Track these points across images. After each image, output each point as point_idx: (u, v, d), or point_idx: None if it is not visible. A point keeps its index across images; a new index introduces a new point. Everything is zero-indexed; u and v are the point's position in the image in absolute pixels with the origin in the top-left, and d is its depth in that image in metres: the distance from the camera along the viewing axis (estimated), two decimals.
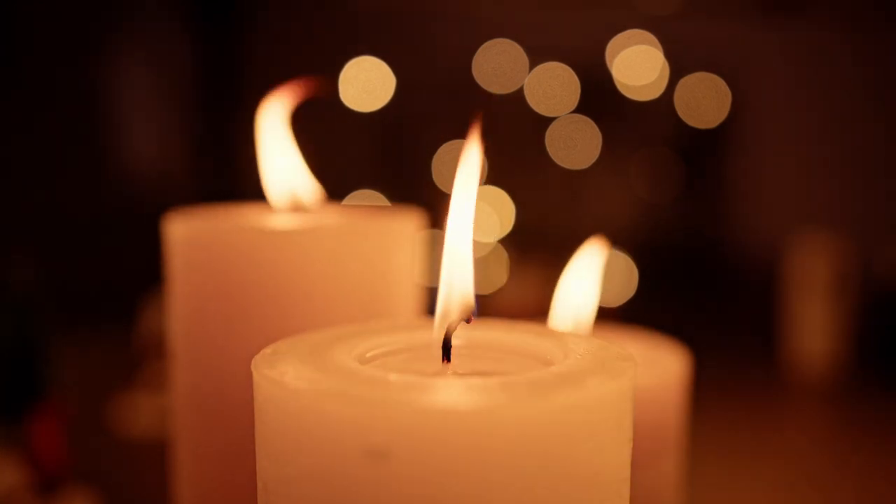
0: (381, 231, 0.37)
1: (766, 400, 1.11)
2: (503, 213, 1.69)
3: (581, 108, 1.78)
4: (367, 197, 1.65)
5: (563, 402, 0.21)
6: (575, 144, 1.79)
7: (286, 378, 0.22)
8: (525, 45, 1.77)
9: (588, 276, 0.38)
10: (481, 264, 1.63)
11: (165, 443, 0.40)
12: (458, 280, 0.26)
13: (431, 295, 0.27)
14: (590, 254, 0.39)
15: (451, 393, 0.22)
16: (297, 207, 0.39)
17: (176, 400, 0.37)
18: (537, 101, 1.78)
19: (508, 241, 1.67)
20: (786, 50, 1.75)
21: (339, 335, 0.27)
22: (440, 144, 1.72)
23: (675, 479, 0.37)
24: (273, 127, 0.39)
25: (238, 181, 1.68)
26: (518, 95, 1.78)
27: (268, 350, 0.25)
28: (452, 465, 0.20)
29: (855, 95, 1.69)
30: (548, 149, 1.79)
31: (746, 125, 1.82)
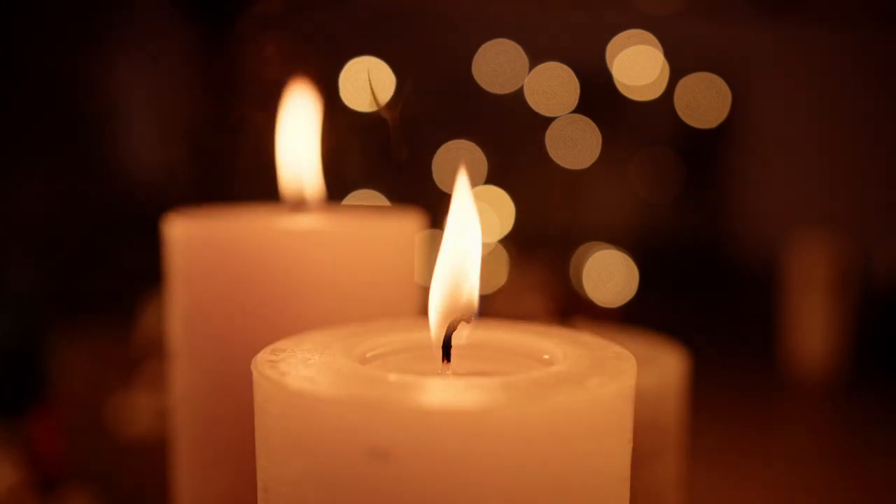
0: (382, 231, 0.37)
1: (765, 400, 1.11)
2: (503, 213, 1.69)
3: (581, 108, 1.78)
4: (367, 197, 1.65)
5: (563, 403, 0.21)
6: (575, 144, 1.79)
7: (286, 378, 0.22)
8: (525, 45, 1.77)
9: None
10: (481, 264, 1.63)
11: (165, 443, 0.40)
12: (465, 282, 0.26)
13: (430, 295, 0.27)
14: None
15: (451, 393, 0.22)
16: (299, 205, 0.39)
17: (176, 400, 0.37)
18: (537, 101, 1.78)
19: (508, 241, 1.67)
20: (786, 50, 1.75)
21: (339, 335, 0.27)
22: (440, 144, 1.71)
23: (675, 479, 0.37)
24: (301, 113, 0.39)
25: (238, 181, 1.68)
26: (518, 95, 1.78)
27: (268, 350, 0.25)
28: (452, 465, 0.20)
29: (855, 95, 1.69)
30: (548, 149, 1.79)
31: (746, 125, 1.82)
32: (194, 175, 1.80)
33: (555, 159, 1.79)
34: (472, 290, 0.26)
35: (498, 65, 1.77)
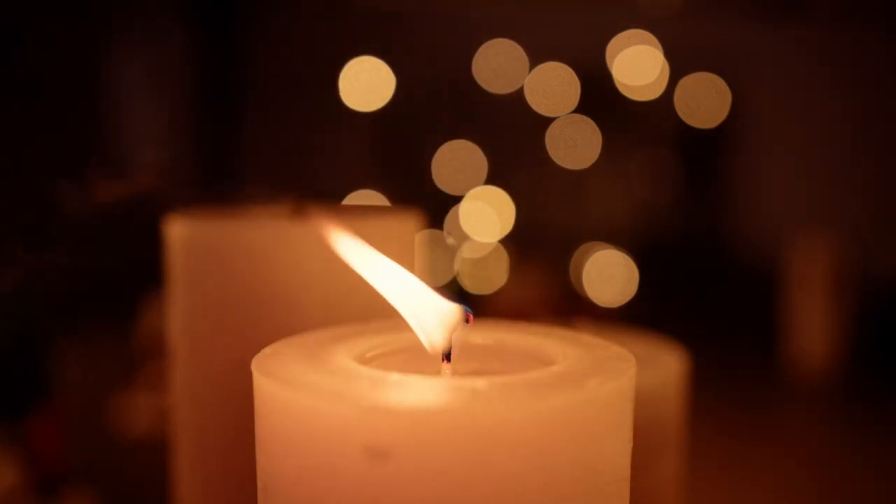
0: (382, 231, 0.37)
1: (765, 400, 1.11)
2: (503, 213, 1.69)
3: (581, 108, 1.78)
4: (367, 197, 1.64)
5: (563, 403, 0.21)
6: (575, 144, 1.79)
7: (286, 378, 0.22)
8: (525, 45, 1.77)
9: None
10: (481, 264, 1.63)
11: (165, 443, 0.40)
12: (432, 307, 0.26)
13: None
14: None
15: (451, 393, 0.22)
16: (298, 210, 0.39)
17: (176, 400, 0.37)
18: (537, 101, 1.78)
19: (508, 241, 1.67)
20: (786, 50, 1.75)
21: (339, 335, 0.27)
22: (440, 144, 1.71)
23: (675, 479, 0.37)
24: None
25: (238, 182, 1.68)
26: (518, 95, 1.78)
27: (268, 350, 0.25)
28: (452, 466, 0.20)
29: (855, 95, 1.69)
30: (548, 149, 1.79)
31: (746, 125, 1.82)
32: (194, 175, 1.80)
33: (555, 159, 1.79)
34: (441, 303, 0.26)
35: (498, 65, 1.77)
